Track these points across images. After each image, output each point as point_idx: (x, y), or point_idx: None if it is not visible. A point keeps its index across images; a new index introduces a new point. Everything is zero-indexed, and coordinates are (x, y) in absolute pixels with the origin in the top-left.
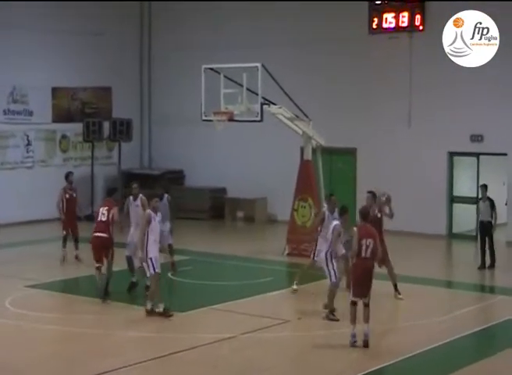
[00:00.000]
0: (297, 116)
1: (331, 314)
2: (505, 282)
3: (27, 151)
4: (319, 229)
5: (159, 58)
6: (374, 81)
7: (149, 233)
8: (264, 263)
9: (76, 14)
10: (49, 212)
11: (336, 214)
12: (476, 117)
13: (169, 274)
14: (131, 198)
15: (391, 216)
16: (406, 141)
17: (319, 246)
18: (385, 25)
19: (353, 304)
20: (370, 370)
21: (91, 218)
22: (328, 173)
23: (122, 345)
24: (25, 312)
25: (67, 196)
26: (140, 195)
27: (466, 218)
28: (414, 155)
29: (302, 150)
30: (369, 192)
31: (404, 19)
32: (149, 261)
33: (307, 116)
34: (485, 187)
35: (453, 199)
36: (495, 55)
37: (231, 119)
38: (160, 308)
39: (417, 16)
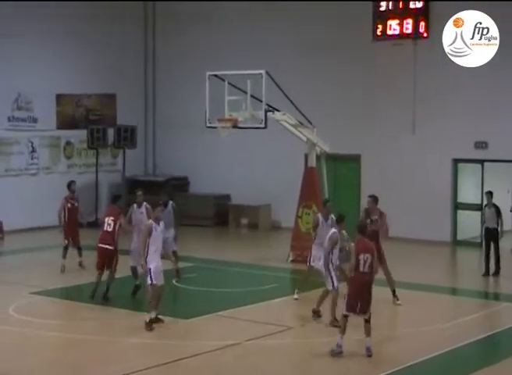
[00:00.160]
0: (301, 123)
1: (335, 321)
2: (510, 289)
3: (32, 158)
4: (313, 235)
5: (163, 65)
6: (378, 88)
7: (150, 243)
8: (269, 270)
9: (81, 21)
10: (53, 219)
11: (330, 221)
12: (480, 124)
13: (174, 281)
14: (135, 205)
15: (385, 234)
16: (410, 148)
17: (314, 252)
18: (389, 32)
19: (345, 317)
20: None
21: (95, 225)
22: (333, 180)
23: (125, 352)
24: (29, 319)
25: (69, 205)
26: (145, 203)
27: (470, 225)
28: (418, 162)
29: (306, 157)
30: (370, 196)
31: (408, 25)
32: (148, 271)
33: (311, 123)
34: (490, 193)
35: (457, 206)
36: (499, 62)
37: (235, 126)
38: (152, 315)
39: (422, 23)
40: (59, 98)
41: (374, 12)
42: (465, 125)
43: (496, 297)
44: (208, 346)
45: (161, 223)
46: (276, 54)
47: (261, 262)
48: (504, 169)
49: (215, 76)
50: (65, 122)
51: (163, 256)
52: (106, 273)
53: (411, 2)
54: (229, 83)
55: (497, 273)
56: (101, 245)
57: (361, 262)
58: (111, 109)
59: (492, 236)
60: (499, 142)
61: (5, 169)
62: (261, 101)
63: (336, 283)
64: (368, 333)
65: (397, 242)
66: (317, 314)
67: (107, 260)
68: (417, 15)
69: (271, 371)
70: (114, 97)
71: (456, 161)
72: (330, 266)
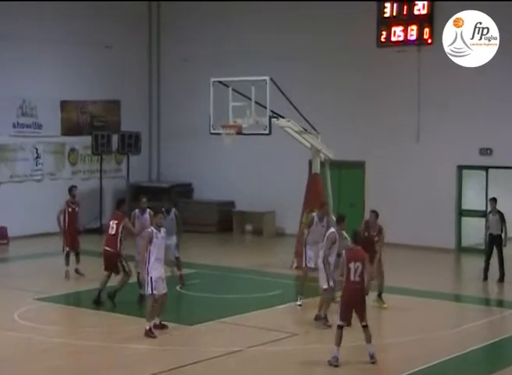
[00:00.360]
0: (306, 130)
1: (325, 319)
2: None
3: (36, 164)
4: (306, 233)
5: (168, 71)
6: (382, 94)
7: (151, 252)
8: (273, 276)
9: (86, 27)
10: (56, 224)
11: (324, 222)
12: (485, 130)
13: (177, 287)
14: (137, 211)
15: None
16: (414, 154)
17: (308, 252)
18: (393, 38)
19: (339, 327)
20: None
21: (100, 231)
22: (337, 186)
23: (129, 358)
24: (34, 325)
25: (69, 210)
26: (148, 210)
27: (475, 231)
28: (422, 169)
29: (310, 163)
30: (372, 211)
31: (413, 32)
32: (148, 280)
33: (315, 130)
34: (494, 200)
35: (461, 213)
36: (504, 68)
37: (239, 133)
38: (156, 321)
39: (426, 30)
40: (64, 104)
41: (378, 18)
42: (470, 131)
43: (501, 304)
44: (212, 352)
45: (163, 230)
46: (280, 60)
47: (265, 269)
48: (509, 176)
49: (220, 82)
50: (70, 128)
51: (165, 263)
52: (115, 278)
53: (416, 9)
54: (233, 90)
55: (502, 279)
56: (104, 248)
57: (352, 270)
58: (115, 116)
59: (495, 242)
60: (503, 149)
61: (10, 176)
62: (266, 108)
63: (331, 283)
64: (368, 339)
65: (402, 249)
66: (322, 320)
67: (110, 262)
68: (422, 21)
69: None
70: (118, 103)
71: (460, 167)
72: (327, 265)
